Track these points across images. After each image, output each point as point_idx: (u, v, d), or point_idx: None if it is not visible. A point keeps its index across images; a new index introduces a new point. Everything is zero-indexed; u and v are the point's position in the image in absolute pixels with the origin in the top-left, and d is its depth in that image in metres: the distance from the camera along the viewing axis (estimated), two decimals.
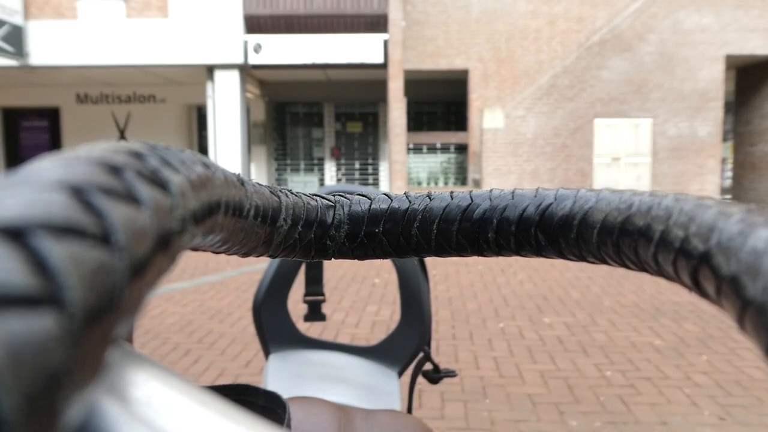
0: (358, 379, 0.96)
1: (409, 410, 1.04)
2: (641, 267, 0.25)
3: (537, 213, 0.28)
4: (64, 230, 0.11)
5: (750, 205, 0.21)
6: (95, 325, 0.11)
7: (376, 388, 0.94)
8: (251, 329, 3.30)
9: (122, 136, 12.25)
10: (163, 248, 0.14)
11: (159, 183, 0.15)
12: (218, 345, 3.16)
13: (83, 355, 0.11)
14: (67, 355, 0.10)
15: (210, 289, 4.59)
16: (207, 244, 0.22)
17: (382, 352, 1.03)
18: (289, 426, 0.30)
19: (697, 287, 0.22)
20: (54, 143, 12.33)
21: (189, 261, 5.83)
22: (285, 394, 0.83)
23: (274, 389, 0.87)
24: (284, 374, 0.94)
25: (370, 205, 0.31)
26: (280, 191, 0.28)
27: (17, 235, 0.11)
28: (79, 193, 0.12)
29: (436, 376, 1.05)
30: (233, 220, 0.22)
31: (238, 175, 0.24)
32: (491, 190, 0.31)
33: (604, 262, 0.27)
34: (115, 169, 0.14)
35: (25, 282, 0.10)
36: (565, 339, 3.24)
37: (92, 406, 0.13)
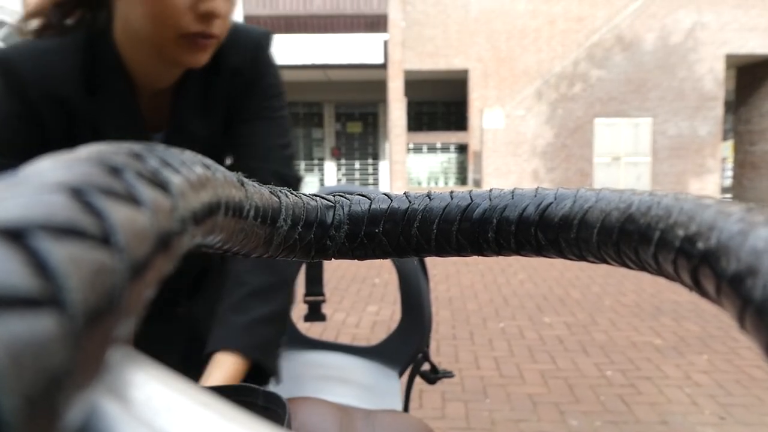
0: (358, 380, 0.96)
1: (406, 410, 1.04)
2: (641, 266, 0.25)
3: (537, 213, 0.28)
4: (64, 231, 0.11)
5: (750, 204, 0.21)
6: (95, 326, 0.11)
7: (376, 388, 0.94)
8: None
9: None
10: (163, 249, 0.14)
11: (159, 184, 0.15)
12: None
13: (84, 356, 0.11)
14: (68, 357, 0.10)
15: None
16: (207, 244, 0.22)
17: (383, 353, 1.03)
18: (289, 426, 0.30)
19: (698, 286, 0.22)
20: None
21: None
22: (285, 394, 0.83)
23: (274, 390, 0.87)
24: (284, 375, 0.94)
25: (370, 205, 0.31)
26: (280, 191, 0.28)
27: (17, 236, 0.11)
28: (79, 194, 0.12)
29: (433, 376, 1.04)
30: (233, 221, 0.22)
31: (238, 175, 0.24)
32: (491, 190, 0.31)
33: (604, 261, 0.27)
34: (115, 170, 0.14)
35: (25, 283, 0.10)
36: (566, 339, 3.24)
37: (93, 407, 0.13)
